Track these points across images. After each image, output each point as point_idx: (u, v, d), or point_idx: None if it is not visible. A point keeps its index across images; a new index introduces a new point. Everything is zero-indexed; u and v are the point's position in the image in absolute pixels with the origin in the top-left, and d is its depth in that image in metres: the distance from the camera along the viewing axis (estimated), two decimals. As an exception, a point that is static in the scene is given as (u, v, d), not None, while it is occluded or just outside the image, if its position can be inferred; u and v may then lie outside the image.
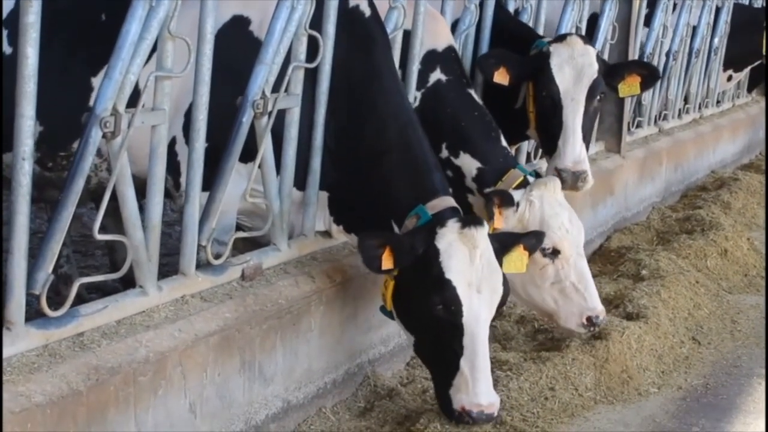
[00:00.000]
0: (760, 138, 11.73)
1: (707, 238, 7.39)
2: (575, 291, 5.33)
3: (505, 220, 5.20)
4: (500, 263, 4.43)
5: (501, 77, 5.77)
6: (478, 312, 4.24)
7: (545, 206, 5.31)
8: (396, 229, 4.51)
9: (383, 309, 4.48)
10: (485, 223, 4.36)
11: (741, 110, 11.19)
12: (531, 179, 5.38)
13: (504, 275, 4.38)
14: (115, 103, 3.67)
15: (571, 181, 5.67)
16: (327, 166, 4.73)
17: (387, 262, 4.25)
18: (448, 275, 4.22)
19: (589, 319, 5.32)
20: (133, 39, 3.70)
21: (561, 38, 5.97)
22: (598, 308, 5.34)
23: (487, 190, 5.34)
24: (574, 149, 5.71)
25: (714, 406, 5.17)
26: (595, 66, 5.84)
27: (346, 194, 4.75)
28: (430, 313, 4.25)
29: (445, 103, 5.43)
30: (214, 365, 4.01)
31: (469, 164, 5.41)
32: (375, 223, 4.58)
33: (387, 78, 4.74)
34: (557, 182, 5.41)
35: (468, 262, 4.24)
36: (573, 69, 5.79)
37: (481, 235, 4.29)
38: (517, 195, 5.26)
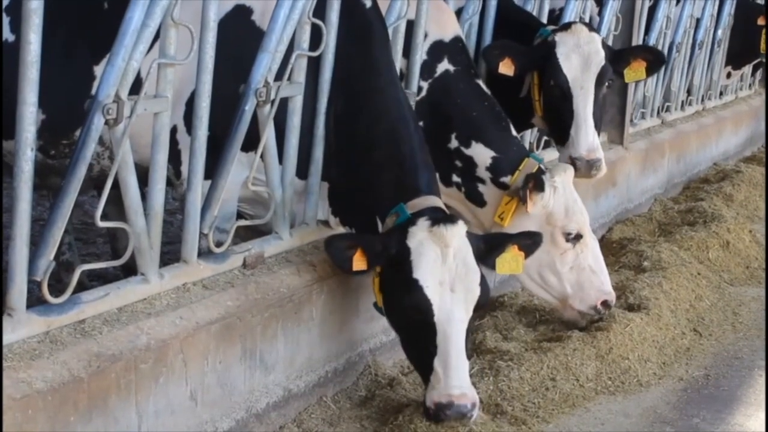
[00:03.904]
0: (763, 130, 11.70)
1: (709, 230, 7.37)
2: (593, 274, 5.40)
3: (534, 206, 5.23)
4: (492, 264, 4.40)
5: (506, 68, 5.76)
6: (450, 311, 4.17)
7: (567, 192, 5.35)
8: (380, 226, 4.50)
9: (376, 305, 4.48)
10: (460, 221, 4.29)
11: (744, 102, 11.16)
12: (543, 167, 5.41)
13: (482, 274, 4.30)
14: (117, 90, 3.68)
15: (585, 169, 5.69)
16: (329, 156, 4.73)
17: (359, 263, 4.23)
18: (417, 274, 4.17)
19: (604, 302, 5.41)
20: (136, 26, 3.71)
21: (566, 27, 5.95)
22: (612, 292, 5.46)
23: (503, 178, 5.36)
24: (587, 137, 5.71)
25: (715, 397, 5.17)
26: (602, 53, 5.84)
27: (343, 186, 4.75)
28: (404, 313, 4.23)
29: (454, 94, 5.43)
30: (215, 353, 4.01)
31: (482, 154, 5.39)
32: (364, 218, 4.57)
33: (384, 71, 4.72)
34: (572, 169, 5.46)
35: (439, 261, 4.17)
36: (580, 57, 5.78)
37: (453, 233, 4.21)
38: None
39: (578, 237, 5.36)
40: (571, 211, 5.33)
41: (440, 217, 4.29)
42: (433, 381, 4.20)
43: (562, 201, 5.32)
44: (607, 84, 5.93)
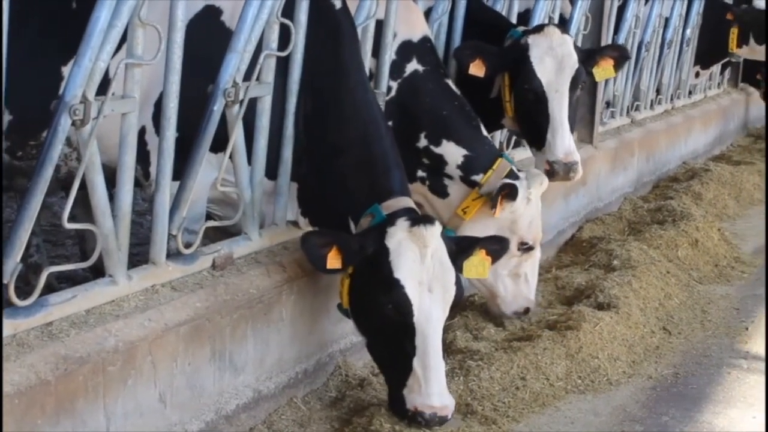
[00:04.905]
0: (732, 129, 11.79)
1: (678, 229, 7.41)
2: (525, 282, 5.57)
3: (502, 212, 5.29)
4: (459, 266, 4.40)
5: (476, 69, 5.76)
6: (429, 311, 4.19)
7: (536, 204, 5.45)
8: (353, 227, 4.49)
9: (340, 307, 4.46)
10: (437, 222, 4.32)
11: (713, 101, 11.24)
12: (514, 169, 5.42)
13: (457, 274, 4.33)
14: (84, 91, 3.65)
15: (564, 172, 5.74)
16: (298, 156, 4.72)
17: (334, 261, 4.23)
18: (397, 274, 4.18)
19: (526, 309, 5.60)
20: (103, 26, 3.68)
21: (538, 29, 5.95)
22: (533, 300, 5.65)
23: (475, 176, 5.38)
24: (564, 141, 5.74)
25: (684, 395, 5.20)
26: (575, 56, 5.85)
27: (313, 187, 4.74)
28: (381, 314, 4.21)
29: (423, 93, 5.44)
30: (184, 355, 4.00)
31: (453, 152, 5.41)
32: (335, 218, 4.57)
33: (353, 72, 4.72)
34: (547, 181, 5.52)
35: (418, 261, 4.19)
36: (554, 60, 5.79)
37: (431, 233, 4.23)
38: None
39: (530, 249, 5.48)
40: (533, 224, 5.43)
41: (419, 218, 4.31)
42: (411, 382, 4.21)
43: (530, 213, 5.38)
44: (580, 86, 5.96)
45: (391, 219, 4.31)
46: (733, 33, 10.10)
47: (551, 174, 5.72)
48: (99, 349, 3.65)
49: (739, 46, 10.18)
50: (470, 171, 5.39)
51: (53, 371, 3.46)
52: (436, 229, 4.29)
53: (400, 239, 4.22)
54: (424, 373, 4.17)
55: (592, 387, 5.14)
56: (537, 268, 5.65)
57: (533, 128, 5.87)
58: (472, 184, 5.38)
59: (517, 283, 5.54)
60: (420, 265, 4.21)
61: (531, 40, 5.83)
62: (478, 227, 5.21)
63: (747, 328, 6.10)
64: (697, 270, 7.06)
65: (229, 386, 4.26)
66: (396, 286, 4.17)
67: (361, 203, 4.48)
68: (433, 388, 4.17)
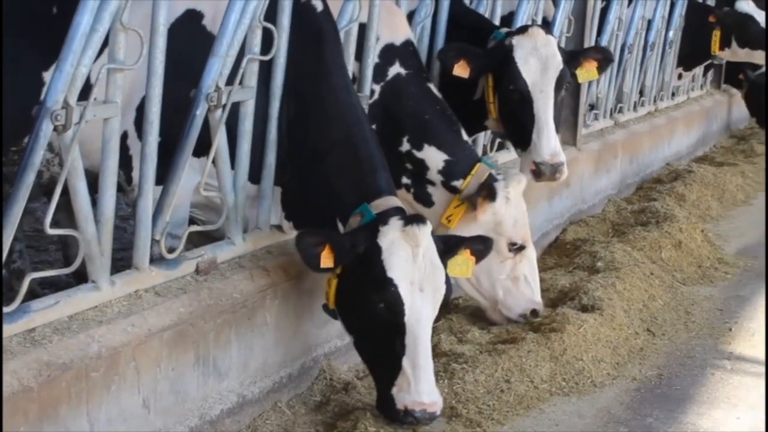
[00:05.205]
0: (714, 130, 11.83)
1: (662, 230, 7.43)
2: (526, 283, 5.56)
3: (484, 213, 5.29)
4: (444, 265, 4.41)
5: (461, 70, 5.77)
6: (420, 311, 4.20)
7: (518, 203, 5.43)
8: (341, 227, 4.49)
9: (326, 307, 4.46)
10: (428, 221, 4.33)
11: (696, 103, 11.28)
12: (493, 173, 5.43)
13: (447, 274, 4.35)
14: (66, 96, 3.63)
15: (550, 173, 5.75)
16: (281, 160, 4.71)
17: (327, 260, 4.23)
18: (390, 273, 4.18)
19: (533, 311, 5.58)
20: (85, 31, 3.67)
21: (522, 30, 5.95)
22: (541, 302, 5.65)
23: (455, 182, 5.39)
24: (550, 142, 5.75)
25: (668, 396, 5.21)
26: (559, 56, 5.86)
27: (297, 190, 4.74)
28: (372, 312, 4.21)
29: (405, 97, 5.44)
30: (167, 360, 3.99)
31: (434, 157, 5.41)
32: (321, 220, 4.57)
33: (336, 75, 4.72)
34: (525, 180, 5.53)
35: (410, 261, 4.20)
36: (538, 61, 5.79)
37: (423, 233, 4.25)
38: None
39: (521, 248, 5.48)
40: (519, 223, 5.43)
41: (411, 217, 4.32)
42: (400, 382, 4.21)
43: (513, 212, 5.38)
44: (564, 87, 5.97)
45: (382, 218, 4.32)
46: (716, 35, 10.14)
47: (537, 174, 5.73)
48: (82, 355, 3.63)
49: (721, 48, 10.24)
50: (451, 176, 5.41)
51: (36, 377, 3.45)
52: (428, 228, 4.31)
53: (392, 238, 4.23)
54: (414, 372, 4.17)
55: (576, 389, 5.14)
56: (536, 267, 5.64)
57: (518, 129, 5.87)
58: (453, 190, 5.39)
59: (517, 285, 5.55)
60: (412, 265, 4.22)
61: (515, 41, 5.83)
62: (463, 233, 5.21)
63: (730, 329, 6.12)
64: (680, 271, 7.08)
65: (213, 391, 4.25)
66: (388, 285, 4.18)
67: (349, 203, 4.48)
68: (423, 386, 4.18)
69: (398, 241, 4.21)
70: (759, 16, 10.25)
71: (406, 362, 4.18)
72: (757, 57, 10.48)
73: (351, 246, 4.25)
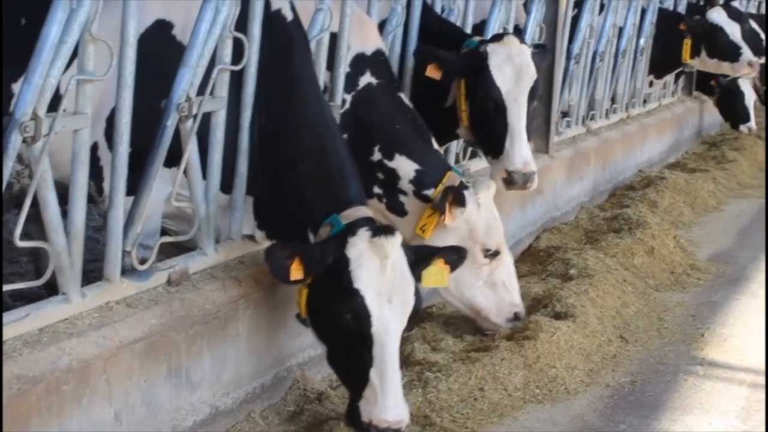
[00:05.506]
0: (686, 137, 11.92)
1: (634, 237, 7.47)
2: (504, 289, 5.56)
3: (453, 219, 5.28)
4: (418, 276, 4.40)
5: (433, 71, 5.77)
6: (387, 322, 4.17)
7: (490, 209, 5.43)
8: (311, 237, 4.49)
9: (299, 317, 4.45)
10: (397, 233, 4.32)
11: (667, 110, 11.35)
12: (464, 181, 5.44)
13: (416, 285, 4.33)
14: (35, 108, 3.61)
15: (522, 182, 5.74)
16: (253, 170, 4.71)
17: (296, 272, 4.22)
18: (357, 285, 4.16)
19: (516, 314, 5.59)
20: (54, 42, 3.65)
21: (497, 38, 5.96)
22: (521, 304, 5.66)
23: (426, 191, 5.39)
24: (522, 150, 5.75)
25: (641, 403, 5.22)
26: (533, 67, 5.85)
27: (269, 200, 4.73)
28: (340, 323, 4.19)
29: (376, 106, 5.43)
30: (139, 372, 3.97)
31: (405, 166, 5.41)
32: (293, 230, 4.56)
33: (306, 84, 4.72)
34: (494, 186, 5.53)
35: (378, 272, 4.18)
36: (513, 69, 5.78)
37: (392, 244, 4.24)
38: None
39: (496, 253, 5.49)
40: (491, 229, 5.44)
41: (379, 228, 4.31)
42: (368, 394, 4.18)
43: (485, 218, 5.39)
44: (536, 97, 5.98)
45: (351, 228, 4.31)
46: (687, 44, 10.23)
47: (509, 183, 5.74)
48: (52, 368, 3.61)
49: (692, 56, 10.32)
50: (422, 186, 5.41)
51: (6, 391, 3.41)
52: (397, 239, 4.29)
53: (361, 249, 4.21)
54: (381, 384, 4.14)
55: (549, 396, 5.15)
56: (513, 272, 5.65)
57: (491, 137, 5.86)
58: (425, 199, 5.39)
59: (496, 291, 5.55)
60: (380, 276, 4.20)
61: (490, 48, 5.82)
62: (437, 242, 5.20)
63: (703, 335, 6.15)
64: (653, 278, 7.11)
65: (185, 403, 4.23)
66: (355, 296, 4.16)
67: (319, 213, 4.47)
68: (389, 400, 4.14)
69: (366, 252, 4.20)
70: (729, 27, 10.35)
71: (373, 373, 4.15)
72: (725, 68, 10.59)
73: (320, 257, 4.24)
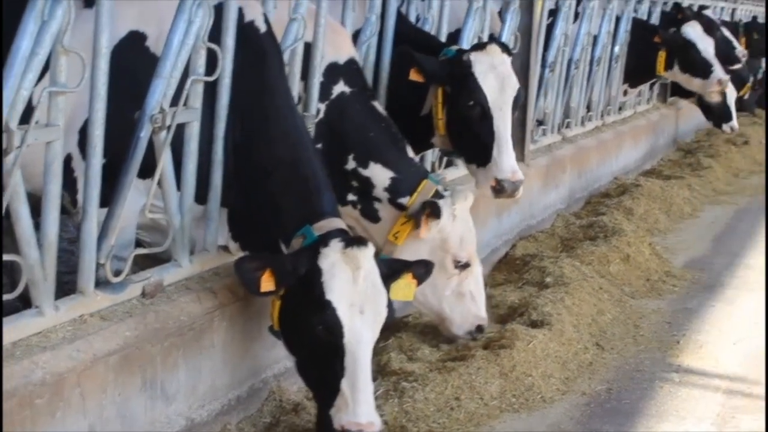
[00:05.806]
0: (661, 144, 11.98)
1: (610, 244, 7.50)
2: (471, 300, 5.55)
3: (429, 232, 5.29)
4: (387, 288, 4.40)
5: (416, 75, 5.76)
6: (360, 333, 4.16)
7: (465, 221, 5.43)
8: (284, 248, 4.48)
9: (271, 329, 4.44)
10: (370, 244, 4.31)
11: (642, 117, 11.40)
12: (440, 189, 5.42)
13: (388, 297, 4.33)
14: (7, 120, 3.59)
15: (511, 190, 5.74)
16: (228, 181, 4.70)
17: (267, 283, 4.21)
18: (329, 296, 4.15)
19: (479, 327, 5.58)
20: (25, 54, 3.62)
21: (480, 47, 5.95)
22: (486, 317, 5.64)
23: (401, 199, 5.39)
24: (510, 159, 5.75)
25: (617, 410, 5.23)
26: (515, 76, 5.86)
27: (243, 211, 4.73)
28: (311, 334, 4.18)
29: (350, 115, 5.43)
30: (114, 385, 3.94)
31: (380, 174, 5.41)
32: (266, 241, 4.56)
33: (279, 95, 4.72)
34: (472, 197, 5.51)
35: (350, 283, 4.17)
36: (496, 78, 5.77)
37: (364, 255, 4.23)
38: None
39: (466, 265, 5.48)
40: (464, 241, 5.43)
41: (352, 239, 4.30)
42: (339, 403, 4.16)
43: (459, 229, 5.39)
44: (517, 108, 5.99)
45: (323, 240, 4.30)
46: (661, 56, 10.33)
47: (498, 191, 5.73)
48: (26, 382, 3.58)
49: (665, 69, 10.40)
50: (397, 194, 5.41)
51: (-22, 406, 3.39)
52: (369, 250, 4.28)
53: (333, 260, 4.20)
54: (353, 394, 4.13)
55: (526, 405, 5.16)
56: (482, 284, 5.64)
57: (476, 145, 5.82)
58: (400, 207, 5.39)
59: (462, 302, 5.54)
60: (352, 287, 4.19)
61: (474, 57, 5.79)
62: (410, 251, 5.23)
63: (678, 342, 6.18)
64: (629, 285, 7.14)
65: (161, 415, 4.21)
66: (327, 308, 4.15)
67: (292, 225, 4.47)
68: (360, 407, 4.13)
69: (339, 263, 4.19)
70: (702, 43, 10.45)
71: (345, 384, 4.14)
72: (695, 84, 10.72)
73: (292, 268, 4.23)
